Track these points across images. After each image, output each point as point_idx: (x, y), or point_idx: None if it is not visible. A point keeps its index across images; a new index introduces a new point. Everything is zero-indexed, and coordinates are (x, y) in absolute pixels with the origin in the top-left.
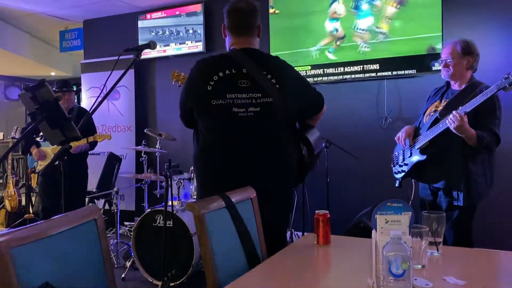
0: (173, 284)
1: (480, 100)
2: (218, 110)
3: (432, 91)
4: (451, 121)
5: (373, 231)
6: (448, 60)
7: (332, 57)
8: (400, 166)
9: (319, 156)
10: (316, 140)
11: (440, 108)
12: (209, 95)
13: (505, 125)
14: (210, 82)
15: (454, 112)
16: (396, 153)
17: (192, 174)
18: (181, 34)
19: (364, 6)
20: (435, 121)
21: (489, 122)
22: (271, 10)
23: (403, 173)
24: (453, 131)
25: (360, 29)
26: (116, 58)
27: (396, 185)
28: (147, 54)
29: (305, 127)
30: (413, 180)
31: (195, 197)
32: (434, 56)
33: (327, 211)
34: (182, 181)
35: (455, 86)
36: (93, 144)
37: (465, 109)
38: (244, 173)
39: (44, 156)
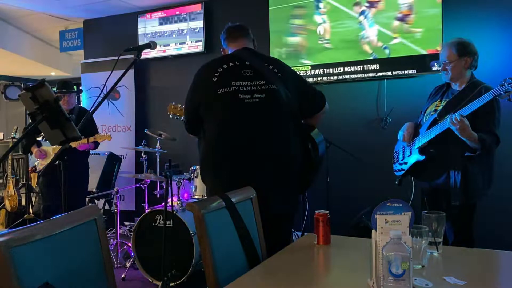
0: (173, 284)
1: (477, 105)
2: (225, 98)
3: (433, 89)
4: (452, 124)
5: (373, 231)
6: (446, 63)
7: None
8: (400, 164)
9: (323, 159)
10: (320, 141)
11: (440, 108)
12: (215, 85)
13: (505, 126)
14: (215, 74)
15: (455, 115)
16: (397, 150)
17: (192, 174)
18: (181, 34)
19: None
20: (434, 122)
21: (488, 123)
22: None
23: (402, 172)
24: (456, 132)
25: (367, 37)
26: (116, 58)
27: (396, 182)
28: (147, 54)
29: (307, 127)
30: (413, 179)
31: (196, 197)
32: (434, 56)
33: (327, 211)
34: (182, 181)
35: (456, 86)
36: (96, 144)
37: (462, 112)
38: (253, 159)
39: (45, 155)
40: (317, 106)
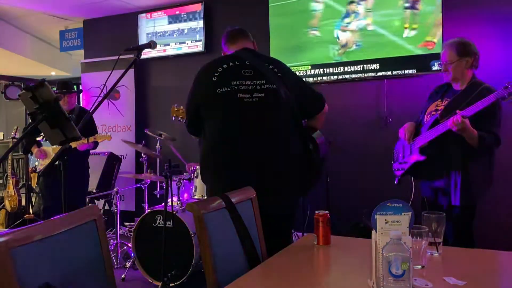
0: (173, 284)
1: (480, 107)
2: (224, 97)
3: (434, 89)
4: (453, 125)
5: (373, 231)
6: (447, 64)
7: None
8: (400, 163)
9: (325, 160)
10: (322, 142)
11: (441, 108)
12: (214, 85)
13: (505, 126)
14: (215, 74)
15: (455, 116)
16: (397, 150)
17: (192, 174)
18: (181, 34)
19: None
20: (435, 122)
21: (489, 124)
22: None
23: (402, 171)
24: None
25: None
26: (116, 58)
27: (395, 182)
28: (147, 54)
29: (310, 129)
30: (412, 179)
31: (196, 197)
32: (434, 56)
33: (327, 211)
34: (182, 181)
35: (457, 86)
36: (95, 143)
37: (465, 113)
38: (253, 158)
39: (45, 155)
40: (317, 107)
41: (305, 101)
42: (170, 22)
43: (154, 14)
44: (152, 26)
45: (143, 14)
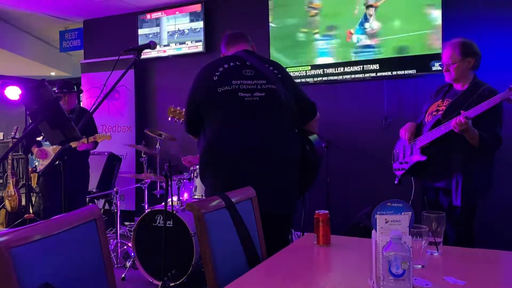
0: (173, 284)
1: (484, 108)
2: (225, 96)
3: (435, 89)
4: (456, 125)
5: (373, 231)
6: (449, 64)
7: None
8: (401, 163)
9: (320, 162)
10: (319, 145)
11: (442, 108)
12: (215, 84)
13: (506, 126)
14: (216, 73)
15: (458, 117)
16: (397, 150)
17: (192, 174)
18: (181, 34)
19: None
20: (437, 122)
21: (491, 124)
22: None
23: (403, 171)
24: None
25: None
26: (116, 58)
27: (396, 182)
28: (147, 54)
29: (307, 132)
30: (412, 179)
31: (196, 197)
32: (434, 56)
33: (327, 211)
34: (182, 181)
35: (458, 86)
36: (95, 143)
37: (469, 114)
38: (252, 157)
39: (46, 155)
40: (309, 115)
41: (300, 105)
42: (170, 22)
43: (154, 14)
44: (152, 26)
45: (143, 15)
